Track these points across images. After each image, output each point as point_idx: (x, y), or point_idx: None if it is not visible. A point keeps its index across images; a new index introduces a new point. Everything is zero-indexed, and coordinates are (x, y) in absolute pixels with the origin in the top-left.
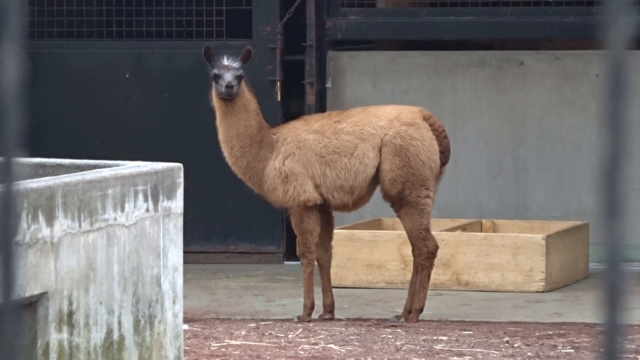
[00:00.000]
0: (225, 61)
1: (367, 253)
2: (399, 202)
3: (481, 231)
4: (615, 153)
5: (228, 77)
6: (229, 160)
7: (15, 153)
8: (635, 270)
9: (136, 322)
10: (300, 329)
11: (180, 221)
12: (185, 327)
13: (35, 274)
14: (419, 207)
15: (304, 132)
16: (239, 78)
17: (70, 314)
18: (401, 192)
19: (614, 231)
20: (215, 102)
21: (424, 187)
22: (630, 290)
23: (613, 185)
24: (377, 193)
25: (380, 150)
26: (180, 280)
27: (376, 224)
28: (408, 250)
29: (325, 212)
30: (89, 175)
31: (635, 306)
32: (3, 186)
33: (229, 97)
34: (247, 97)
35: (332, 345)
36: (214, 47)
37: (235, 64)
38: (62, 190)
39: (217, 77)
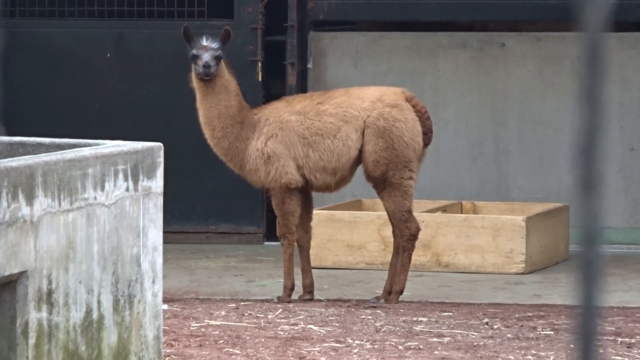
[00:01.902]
0: (204, 42)
1: (348, 234)
2: (382, 184)
3: (461, 213)
4: (592, 130)
5: (206, 57)
6: (210, 141)
7: None
8: (615, 253)
9: (115, 302)
10: (280, 310)
11: (160, 201)
12: (165, 307)
13: (15, 253)
14: (402, 188)
15: (286, 113)
16: (217, 59)
17: (50, 293)
18: (384, 174)
19: (591, 207)
20: (195, 83)
21: (407, 168)
22: (610, 272)
23: (590, 162)
24: (359, 174)
25: (363, 132)
26: (159, 260)
27: (356, 205)
28: (388, 231)
29: (305, 193)
30: (69, 154)
31: (615, 289)
32: None
33: (207, 77)
34: (227, 78)
35: (311, 326)
36: (195, 27)
37: (214, 45)
38: (42, 169)
39: (196, 58)
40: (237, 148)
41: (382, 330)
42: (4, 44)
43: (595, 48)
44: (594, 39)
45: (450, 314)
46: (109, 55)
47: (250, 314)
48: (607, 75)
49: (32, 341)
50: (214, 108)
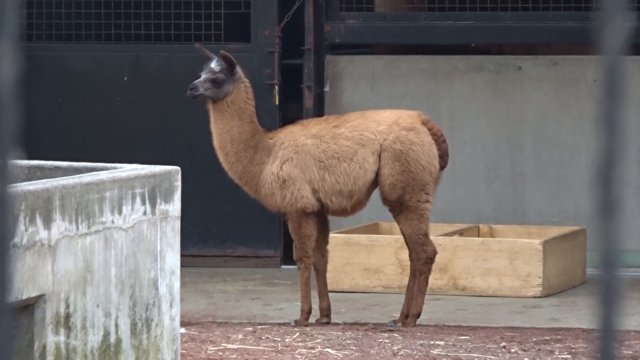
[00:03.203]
0: (212, 64)
1: (365, 257)
2: (398, 207)
3: (478, 236)
4: (611, 154)
5: (199, 79)
6: (225, 165)
7: (11, 154)
8: (632, 276)
9: (133, 325)
10: (297, 333)
11: (177, 224)
12: (182, 330)
13: (33, 277)
14: (418, 211)
15: (301, 136)
16: (212, 81)
17: (67, 316)
18: (401, 197)
19: (609, 232)
20: (209, 106)
21: (423, 191)
22: (627, 295)
23: (608, 186)
24: (375, 197)
25: (379, 155)
26: (177, 284)
27: (373, 228)
28: (405, 254)
29: (321, 216)
30: (87, 177)
31: (633, 312)
32: None
33: (192, 98)
34: (241, 105)
35: (329, 350)
36: (212, 50)
37: (217, 68)
38: (59, 192)
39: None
40: (252, 172)
41: (400, 354)
42: (23, 68)
43: (613, 71)
44: (613, 62)
45: (468, 337)
46: (125, 78)
47: (267, 337)
48: (625, 99)
49: None
50: (226, 133)
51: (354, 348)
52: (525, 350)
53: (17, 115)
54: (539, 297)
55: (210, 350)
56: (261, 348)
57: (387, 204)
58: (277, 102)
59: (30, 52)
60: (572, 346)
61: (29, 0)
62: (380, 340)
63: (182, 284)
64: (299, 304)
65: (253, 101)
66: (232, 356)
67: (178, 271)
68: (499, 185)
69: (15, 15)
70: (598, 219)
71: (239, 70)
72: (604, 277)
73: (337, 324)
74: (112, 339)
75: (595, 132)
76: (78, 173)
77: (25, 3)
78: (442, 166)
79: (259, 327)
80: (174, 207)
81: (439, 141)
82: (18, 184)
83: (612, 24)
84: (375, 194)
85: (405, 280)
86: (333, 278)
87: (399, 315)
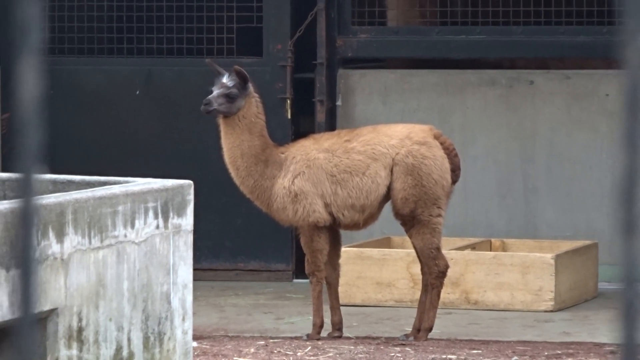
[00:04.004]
0: (224, 79)
1: (377, 271)
2: (410, 221)
3: (490, 250)
4: (633, 171)
5: (213, 94)
6: (236, 180)
7: (34, 169)
8: None
9: (145, 339)
10: (309, 347)
11: (190, 238)
12: (194, 344)
13: (45, 290)
14: (430, 226)
15: (313, 150)
16: (226, 96)
17: (80, 330)
18: (413, 211)
19: (631, 248)
20: (219, 120)
21: (435, 205)
22: None
23: (630, 203)
24: (387, 211)
25: (391, 169)
26: (190, 298)
27: (385, 242)
28: (417, 268)
29: (333, 230)
30: (100, 191)
31: None
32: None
33: (207, 113)
34: (252, 120)
35: None
36: (224, 64)
37: (230, 83)
38: (72, 206)
39: (209, 94)
40: (263, 186)
41: None
42: (48, 84)
43: (636, 88)
44: (635, 79)
45: (480, 351)
46: (138, 92)
47: (279, 351)
48: None
49: None
50: (236, 148)
51: None
52: None
53: (41, 131)
54: (551, 311)
55: None
56: None
57: (399, 218)
58: (289, 116)
59: (14, 65)
60: None
61: (12, 14)
62: (392, 354)
63: (194, 298)
64: (311, 317)
65: (263, 115)
66: None
67: (190, 285)
68: (511, 200)
69: (40, 32)
70: (620, 236)
71: (250, 85)
72: (625, 293)
73: (349, 338)
74: (125, 352)
75: (618, 150)
76: (91, 187)
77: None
78: (454, 180)
79: (271, 341)
80: (187, 221)
81: (451, 155)
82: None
83: (635, 41)
84: (387, 208)
85: (417, 294)
86: (345, 292)
87: (411, 329)
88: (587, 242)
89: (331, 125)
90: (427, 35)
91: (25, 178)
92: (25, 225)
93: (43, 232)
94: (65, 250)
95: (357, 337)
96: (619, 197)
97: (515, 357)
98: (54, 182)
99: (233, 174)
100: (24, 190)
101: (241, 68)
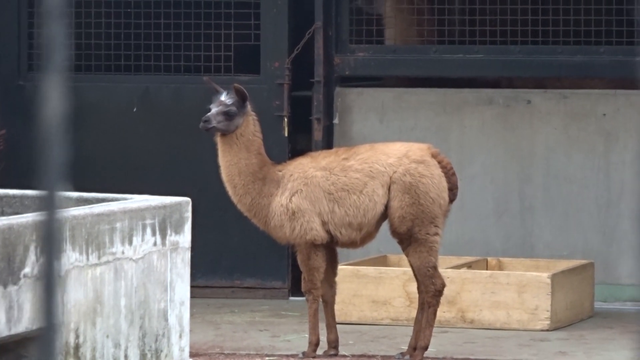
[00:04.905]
0: (222, 97)
1: (373, 289)
2: (407, 239)
3: (487, 269)
4: None
5: (211, 112)
6: (233, 198)
7: (58, 185)
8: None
9: (142, 356)
10: None
11: (187, 255)
12: None
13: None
14: (427, 244)
15: (311, 168)
16: (225, 114)
17: (77, 347)
18: (410, 230)
19: None
20: (217, 138)
21: (433, 224)
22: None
23: None
24: (384, 230)
25: (389, 188)
26: (187, 315)
27: (382, 261)
28: (413, 287)
29: (329, 248)
30: (97, 208)
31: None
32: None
33: (206, 130)
34: (249, 138)
35: None
36: (222, 82)
37: (229, 101)
38: (70, 223)
39: (207, 112)
40: (260, 204)
41: None
42: (73, 101)
43: None
44: None
45: None
46: (135, 109)
47: None
48: None
49: None
50: (234, 166)
51: None
52: None
53: (65, 148)
54: (547, 330)
55: None
56: None
57: (396, 236)
58: (286, 134)
59: (39, 84)
60: None
61: (38, 31)
62: None
63: (190, 315)
64: (307, 335)
65: (260, 133)
66: None
67: (188, 302)
68: (508, 219)
69: (64, 50)
70: (637, 255)
71: (248, 103)
72: None
73: (344, 356)
74: None
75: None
76: (89, 204)
77: (30, 34)
78: (452, 199)
79: (267, 358)
80: (184, 238)
81: (449, 174)
82: (28, 215)
83: None
84: (384, 226)
85: (414, 313)
86: (341, 310)
87: (407, 348)
88: (584, 261)
89: (328, 143)
90: (425, 54)
91: (49, 195)
92: (49, 240)
93: (41, 248)
94: (62, 266)
95: (353, 355)
96: (638, 216)
97: None
98: None
99: (230, 191)
100: (49, 206)
101: (241, 86)
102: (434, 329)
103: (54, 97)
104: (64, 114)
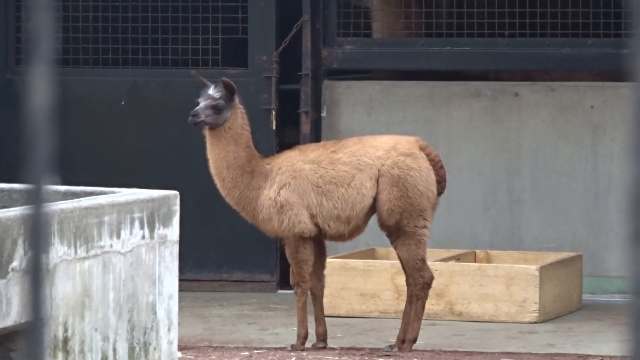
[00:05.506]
0: (210, 90)
1: (361, 282)
2: (395, 232)
3: (475, 262)
4: None
5: (199, 106)
6: (221, 191)
7: (46, 178)
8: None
9: (131, 349)
10: (294, 358)
11: (176, 249)
12: (179, 354)
13: None
14: (416, 237)
15: (299, 161)
16: (213, 108)
17: (66, 340)
18: (399, 222)
19: None
20: (205, 131)
21: (421, 217)
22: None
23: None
24: (372, 222)
25: (377, 181)
26: (175, 308)
27: (370, 254)
28: (402, 279)
29: (318, 241)
30: (86, 202)
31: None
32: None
33: (194, 125)
34: (238, 131)
35: None
36: (210, 75)
37: (217, 94)
38: (58, 216)
39: (195, 105)
40: (249, 197)
41: None
42: (61, 95)
43: None
44: None
45: None
46: (123, 103)
47: None
48: None
49: None
50: (222, 159)
51: None
52: None
53: (52, 140)
54: (535, 322)
55: None
56: None
57: (384, 229)
58: (274, 128)
59: (26, 76)
60: None
61: (26, 24)
62: None
63: (179, 309)
64: (295, 328)
65: (249, 127)
66: None
67: (176, 295)
68: (496, 211)
69: (51, 41)
70: (629, 246)
71: (236, 96)
72: (635, 304)
73: (333, 348)
74: None
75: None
76: (76, 197)
77: (18, 28)
78: (440, 192)
79: (255, 351)
80: (173, 231)
81: (437, 167)
82: (16, 209)
83: None
84: (373, 219)
85: (402, 306)
86: (329, 303)
87: (395, 341)
88: (572, 254)
89: (316, 136)
90: (412, 47)
91: (35, 188)
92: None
93: (29, 242)
94: (50, 260)
95: (341, 348)
96: (629, 207)
97: None
98: None
99: (219, 185)
100: (35, 199)
101: (229, 80)
102: (423, 322)
103: (40, 89)
104: (51, 106)
